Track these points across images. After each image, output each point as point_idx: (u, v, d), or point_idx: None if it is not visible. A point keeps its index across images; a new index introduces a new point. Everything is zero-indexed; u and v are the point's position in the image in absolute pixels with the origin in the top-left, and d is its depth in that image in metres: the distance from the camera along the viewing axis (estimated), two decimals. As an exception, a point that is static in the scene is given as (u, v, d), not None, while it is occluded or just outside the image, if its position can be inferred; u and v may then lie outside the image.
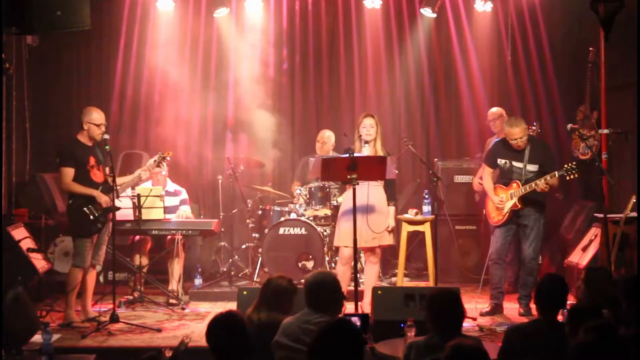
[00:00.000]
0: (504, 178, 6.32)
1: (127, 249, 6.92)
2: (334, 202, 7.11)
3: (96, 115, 5.93)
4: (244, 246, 7.77)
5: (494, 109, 7.39)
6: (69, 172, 5.81)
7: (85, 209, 5.81)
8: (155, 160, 6.37)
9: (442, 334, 3.49)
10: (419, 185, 8.14)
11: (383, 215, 6.06)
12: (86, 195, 5.83)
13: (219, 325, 3.28)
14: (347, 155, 5.45)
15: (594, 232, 6.62)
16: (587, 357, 2.81)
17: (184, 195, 7.20)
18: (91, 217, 5.82)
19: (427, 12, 8.22)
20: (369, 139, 6.03)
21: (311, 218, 7.11)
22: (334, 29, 8.57)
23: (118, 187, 5.91)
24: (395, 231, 6.39)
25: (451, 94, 8.60)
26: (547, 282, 4.00)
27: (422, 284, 7.26)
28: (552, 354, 3.63)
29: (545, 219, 6.37)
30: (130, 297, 6.70)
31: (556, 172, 5.96)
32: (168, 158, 6.41)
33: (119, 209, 5.91)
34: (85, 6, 6.06)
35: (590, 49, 7.41)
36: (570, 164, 5.96)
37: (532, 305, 5.65)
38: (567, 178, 5.97)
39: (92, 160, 5.91)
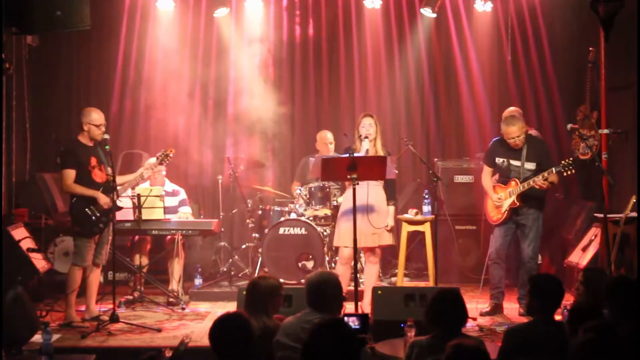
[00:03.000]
0: (503, 177, 6.34)
1: (127, 249, 6.92)
2: (334, 202, 7.11)
3: (95, 116, 5.93)
4: (244, 246, 7.77)
5: (507, 110, 7.16)
6: (70, 174, 5.82)
7: (87, 209, 5.82)
8: (158, 158, 6.35)
9: (444, 334, 3.49)
10: (419, 185, 8.14)
11: (383, 215, 6.06)
12: (88, 196, 5.84)
13: (223, 326, 3.25)
14: (347, 155, 5.45)
15: (594, 232, 6.62)
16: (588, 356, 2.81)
17: (183, 195, 7.20)
18: (93, 217, 5.83)
19: (427, 12, 8.22)
20: (368, 138, 6.03)
21: (311, 218, 7.12)
22: (334, 29, 8.57)
23: (119, 187, 5.94)
24: (395, 231, 6.39)
25: (451, 94, 8.60)
26: (542, 282, 4.00)
27: (422, 284, 7.27)
28: (551, 353, 3.64)
29: (544, 217, 6.37)
30: (130, 297, 6.71)
31: (553, 169, 5.97)
32: (171, 155, 6.37)
33: (120, 208, 5.93)
34: (85, 6, 6.06)
35: (590, 49, 7.41)
36: (567, 160, 5.96)
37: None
38: (565, 174, 5.98)
39: (93, 161, 5.92)
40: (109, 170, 5.93)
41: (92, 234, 5.91)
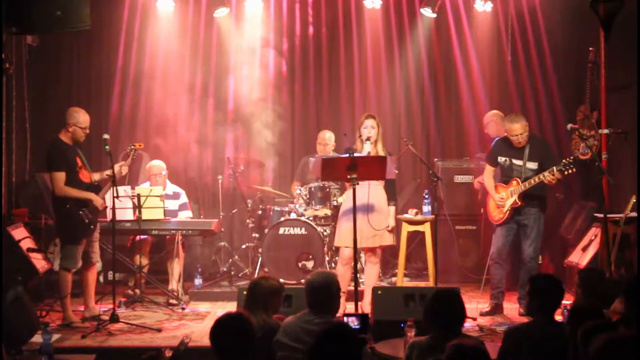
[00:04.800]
0: (504, 176, 6.34)
1: (127, 249, 6.92)
2: (334, 202, 7.10)
3: (83, 118, 5.90)
4: (244, 246, 7.77)
5: (488, 113, 7.40)
6: (62, 177, 5.77)
7: (81, 212, 5.78)
8: (127, 154, 6.26)
9: (444, 334, 3.49)
10: (419, 185, 8.15)
11: (383, 215, 6.06)
12: (81, 198, 5.80)
13: (224, 327, 3.25)
14: (347, 155, 5.45)
15: (594, 232, 6.62)
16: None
17: (184, 198, 7.18)
18: (86, 220, 5.81)
19: (427, 12, 8.22)
20: (370, 140, 6.03)
21: (311, 218, 7.11)
22: (334, 29, 8.57)
23: (100, 184, 5.92)
24: (395, 231, 6.39)
25: (451, 94, 8.60)
26: (542, 282, 4.00)
27: (422, 284, 7.27)
28: (551, 353, 3.63)
29: (546, 217, 6.37)
30: (131, 293, 6.71)
31: (554, 168, 5.98)
32: (137, 149, 6.22)
33: (106, 207, 5.90)
34: (85, 6, 6.07)
35: (590, 49, 7.41)
36: (567, 159, 5.97)
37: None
38: (565, 173, 5.98)
39: (79, 161, 5.89)
40: (108, 170, 5.91)
41: (85, 237, 5.89)
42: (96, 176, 6.08)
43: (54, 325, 5.69)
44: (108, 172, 5.92)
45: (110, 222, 5.95)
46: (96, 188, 5.90)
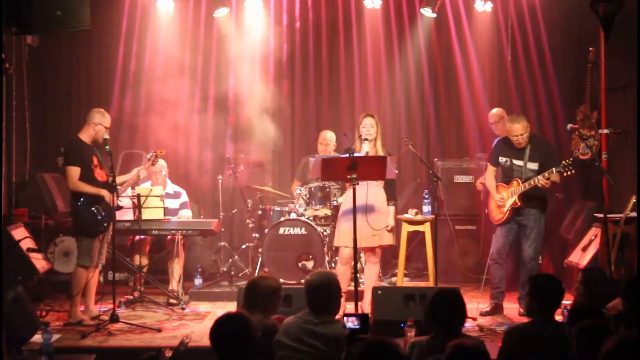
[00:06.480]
0: (506, 176, 6.35)
1: (127, 249, 6.92)
2: (334, 202, 7.11)
3: (108, 119, 6.01)
4: (244, 246, 7.77)
5: (494, 111, 7.40)
6: (75, 172, 5.83)
7: (93, 208, 5.83)
8: (149, 159, 6.38)
9: (444, 334, 3.49)
10: (419, 185, 8.15)
11: (383, 215, 6.06)
12: (93, 194, 5.84)
13: (224, 327, 3.25)
14: (347, 155, 5.45)
15: (594, 232, 6.62)
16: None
17: (184, 197, 7.19)
18: (99, 217, 5.84)
19: (427, 12, 8.22)
20: (369, 138, 6.03)
21: (311, 218, 7.11)
22: (334, 29, 8.57)
23: (119, 187, 5.96)
24: (395, 231, 6.39)
25: (451, 94, 8.60)
26: (542, 282, 4.00)
27: (422, 284, 7.27)
28: (551, 353, 3.64)
29: (546, 217, 6.37)
30: (130, 297, 6.71)
31: (553, 169, 5.98)
32: (157, 155, 6.37)
33: (121, 208, 5.93)
34: (85, 6, 6.05)
35: (590, 49, 7.41)
36: (567, 161, 5.97)
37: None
38: (565, 174, 5.98)
39: (95, 160, 5.93)
40: (107, 170, 5.94)
41: (98, 233, 5.92)
42: (124, 177, 6.21)
43: (56, 325, 5.70)
44: (133, 172, 6.20)
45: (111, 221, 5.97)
46: (111, 188, 5.90)
